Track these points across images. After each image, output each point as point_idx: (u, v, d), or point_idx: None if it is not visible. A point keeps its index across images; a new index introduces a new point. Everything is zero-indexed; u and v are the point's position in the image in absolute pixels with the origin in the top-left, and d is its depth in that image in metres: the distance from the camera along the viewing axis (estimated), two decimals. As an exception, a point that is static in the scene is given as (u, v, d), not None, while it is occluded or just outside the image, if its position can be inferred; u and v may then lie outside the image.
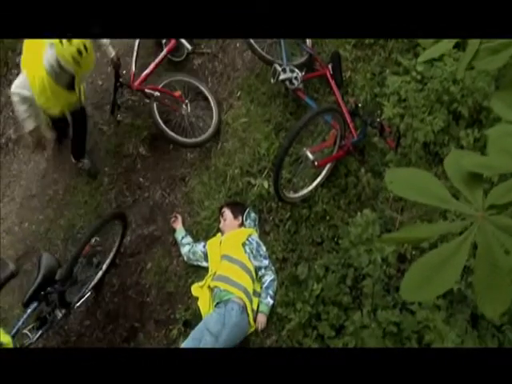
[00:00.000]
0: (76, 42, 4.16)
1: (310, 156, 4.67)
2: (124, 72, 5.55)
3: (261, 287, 4.67)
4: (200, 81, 5.57)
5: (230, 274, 4.64)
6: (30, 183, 5.83)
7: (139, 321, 4.89)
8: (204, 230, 5.01)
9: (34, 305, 4.34)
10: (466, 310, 4.09)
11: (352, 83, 5.15)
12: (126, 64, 5.59)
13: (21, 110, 4.57)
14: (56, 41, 4.15)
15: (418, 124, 4.73)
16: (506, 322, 4.02)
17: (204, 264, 4.86)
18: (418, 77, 4.87)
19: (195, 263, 4.92)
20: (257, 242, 4.79)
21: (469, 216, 1.53)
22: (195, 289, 4.72)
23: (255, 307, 4.61)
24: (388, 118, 4.83)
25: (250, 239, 4.79)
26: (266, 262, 4.71)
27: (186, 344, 4.44)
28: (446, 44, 1.93)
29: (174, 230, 5.08)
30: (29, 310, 4.32)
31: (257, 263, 4.71)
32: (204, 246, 4.89)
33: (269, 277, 4.66)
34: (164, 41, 5.59)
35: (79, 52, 4.17)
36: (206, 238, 4.95)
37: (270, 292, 4.62)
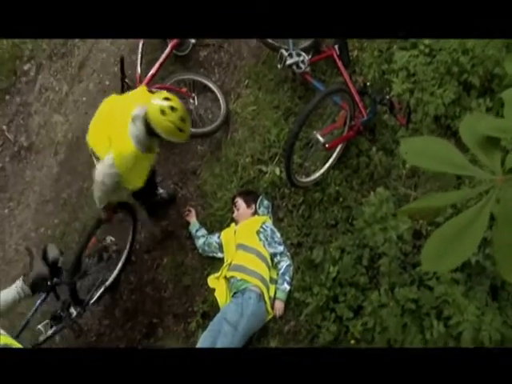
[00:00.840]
0: (179, 108, 4.20)
1: (321, 138, 4.81)
2: (129, 72, 5.77)
3: (277, 274, 4.83)
4: (204, 75, 5.77)
5: (246, 263, 4.82)
6: (43, 188, 6.10)
7: (158, 316, 5.09)
8: (218, 222, 5.19)
9: (42, 296, 4.54)
10: (485, 281, 4.17)
11: (359, 62, 5.28)
12: (132, 62, 5.83)
13: (104, 189, 4.38)
14: (155, 113, 4.11)
15: (429, 98, 4.83)
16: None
17: (219, 255, 5.05)
18: (426, 50, 4.97)
19: (210, 255, 5.11)
20: (271, 229, 4.95)
21: (487, 181, 1.54)
22: (211, 280, 4.90)
23: (272, 294, 4.77)
24: (397, 94, 4.94)
25: (264, 226, 4.96)
26: (281, 248, 4.88)
27: (204, 336, 4.63)
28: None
29: (187, 224, 5.28)
30: (37, 303, 4.52)
31: (272, 250, 4.88)
32: (218, 237, 5.08)
33: (284, 263, 4.83)
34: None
35: (182, 119, 4.19)
36: (221, 229, 5.13)
37: (287, 278, 4.78)
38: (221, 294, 4.84)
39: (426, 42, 4.99)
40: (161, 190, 5.42)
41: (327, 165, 5.04)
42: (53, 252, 4.57)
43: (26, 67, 6.92)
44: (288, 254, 4.88)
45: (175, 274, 5.18)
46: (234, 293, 4.75)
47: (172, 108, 4.13)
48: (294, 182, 4.90)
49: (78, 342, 5.09)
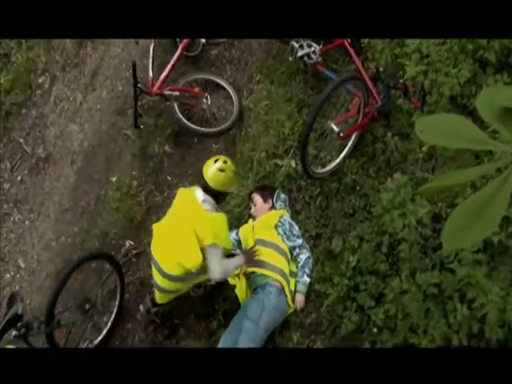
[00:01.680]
0: (225, 158, 4.92)
1: (335, 128, 4.93)
2: (141, 76, 5.97)
3: (296, 267, 4.95)
4: (215, 74, 5.98)
5: (266, 258, 4.94)
6: (62, 198, 6.34)
7: (179, 317, 5.26)
8: (236, 218, 5.33)
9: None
10: (508, 261, 4.21)
11: (371, 48, 5.38)
12: (143, 66, 6.06)
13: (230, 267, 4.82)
14: (217, 176, 4.76)
15: (443, 78, 4.91)
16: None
17: (238, 252, 5.19)
18: (440, 30, 5.07)
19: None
20: (289, 223, 5.07)
21: (508, 155, 1.51)
22: (231, 278, 5.05)
23: (293, 287, 4.88)
24: (411, 77, 5.03)
25: (281, 220, 5.08)
26: (299, 241, 4.99)
27: (226, 334, 4.77)
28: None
29: (205, 223, 5.44)
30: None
31: (291, 243, 4.99)
32: (237, 234, 5.21)
33: (304, 255, 4.94)
34: (178, 39, 6.02)
35: (224, 162, 4.84)
36: (238, 226, 5.25)
37: (306, 270, 4.89)
38: (241, 291, 4.97)
39: (438, 22, 5.09)
40: None
41: (343, 154, 5.15)
42: (15, 304, 4.79)
43: (40, 80, 7.21)
44: (307, 246, 4.99)
45: (195, 273, 5.34)
46: (254, 288, 4.89)
47: (224, 162, 4.82)
48: (310, 173, 5.02)
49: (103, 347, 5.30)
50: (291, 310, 4.84)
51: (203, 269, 4.66)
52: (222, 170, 4.76)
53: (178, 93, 5.70)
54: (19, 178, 6.75)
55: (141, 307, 5.21)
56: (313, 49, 5.34)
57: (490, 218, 1.48)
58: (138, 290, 5.52)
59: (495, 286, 4.05)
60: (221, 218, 4.76)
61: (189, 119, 5.79)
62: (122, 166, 6.09)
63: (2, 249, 6.40)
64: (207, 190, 4.77)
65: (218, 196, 4.84)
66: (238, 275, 5.01)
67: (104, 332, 5.42)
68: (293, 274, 4.93)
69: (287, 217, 5.12)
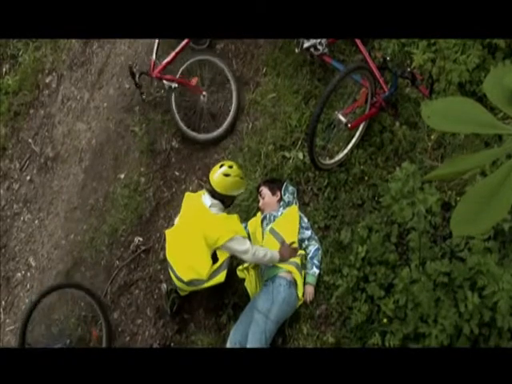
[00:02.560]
0: (230, 162, 4.97)
1: (343, 119, 4.95)
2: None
3: (306, 258, 4.97)
4: (220, 59, 6.01)
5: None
6: (71, 196, 6.39)
7: (189, 312, 5.29)
8: (244, 212, 5.34)
9: None
10: (520, 248, 4.22)
11: (378, 37, 5.41)
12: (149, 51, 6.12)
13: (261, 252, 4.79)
14: (222, 181, 4.82)
15: (452, 65, 4.91)
16: None
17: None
18: (446, 17, 5.06)
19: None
20: (299, 216, 5.10)
21: None
22: (240, 271, 5.06)
23: (302, 280, 4.91)
24: (419, 65, 5.05)
25: (292, 213, 5.13)
26: (308, 233, 5.00)
27: (236, 327, 4.80)
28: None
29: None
30: None
31: (300, 236, 4.99)
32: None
33: (313, 247, 4.96)
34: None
35: (230, 166, 4.89)
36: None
37: (316, 262, 4.91)
38: (251, 284, 4.98)
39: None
40: None
41: (350, 144, 5.16)
42: None
43: (47, 80, 7.27)
44: (316, 238, 5.01)
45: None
46: (265, 281, 4.91)
47: (230, 167, 4.87)
48: (318, 165, 5.04)
49: (113, 344, 5.35)
50: (300, 303, 4.84)
51: (214, 273, 4.79)
52: (227, 175, 4.83)
53: (176, 85, 5.75)
54: (28, 177, 6.80)
55: (163, 286, 5.23)
56: (319, 40, 5.35)
57: (499, 203, 1.47)
58: (147, 286, 5.55)
59: (506, 274, 4.04)
60: (235, 219, 4.86)
61: (184, 116, 5.92)
62: (130, 163, 6.13)
63: (13, 248, 6.46)
64: (214, 194, 4.85)
65: (224, 200, 4.91)
66: (247, 268, 5.03)
67: None
68: (302, 266, 4.94)
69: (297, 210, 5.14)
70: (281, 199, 5.20)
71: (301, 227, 5.02)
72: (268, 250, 4.79)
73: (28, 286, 6.16)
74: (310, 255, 4.94)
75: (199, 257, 4.74)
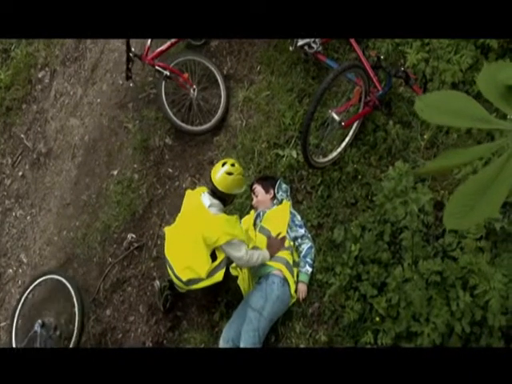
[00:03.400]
0: (232, 160, 4.95)
1: (336, 117, 4.97)
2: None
3: (299, 256, 5.00)
4: (210, 61, 6.05)
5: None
6: (64, 192, 6.42)
7: (181, 309, 5.32)
8: (237, 210, 5.36)
9: None
10: (511, 248, 4.26)
11: (372, 36, 5.45)
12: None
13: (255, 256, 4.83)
14: (225, 179, 4.80)
15: (445, 65, 4.95)
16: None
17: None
18: (440, 17, 5.10)
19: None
20: (291, 213, 5.13)
21: (510, 133, 1.49)
22: (233, 268, 5.08)
23: (295, 277, 4.95)
24: (412, 65, 5.08)
25: (285, 211, 5.15)
26: (301, 231, 5.04)
27: (229, 325, 4.83)
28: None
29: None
30: None
31: (293, 234, 5.03)
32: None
33: (306, 245, 4.99)
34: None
35: (232, 165, 4.88)
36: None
37: (308, 260, 4.94)
38: (244, 282, 5.01)
39: (439, 9, 5.12)
40: None
41: (344, 143, 5.19)
42: None
43: (40, 75, 7.28)
44: (309, 236, 5.04)
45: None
46: (258, 278, 4.94)
47: (232, 165, 4.85)
48: (311, 163, 5.06)
49: (105, 341, 5.37)
50: (293, 301, 4.88)
51: (213, 271, 4.80)
52: (229, 173, 4.82)
53: (168, 72, 5.78)
54: (20, 173, 6.82)
55: (156, 283, 5.24)
56: (313, 38, 5.38)
57: (492, 197, 1.47)
58: (140, 283, 5.57)
59: (498, 273, 4.08)
60: (234, 220, 4.84)
61: (173, 107, 5.96)
62: (123, 160, 6.15)
63: (4, 244, 6.48)
64: (215, 193, 4.85)
65: (225, 199, 4.91)
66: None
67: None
68: (295, 264, 4.98)
69: (290, 207, 5.17)
70: (274, 197, 5.23)
71: (294, 225, 5.06)
72: (260, 252, 4.83)
73: (19, 282, 6.18)
74: (303, 253, 4.97)
75: (198, 256, 4.74)
